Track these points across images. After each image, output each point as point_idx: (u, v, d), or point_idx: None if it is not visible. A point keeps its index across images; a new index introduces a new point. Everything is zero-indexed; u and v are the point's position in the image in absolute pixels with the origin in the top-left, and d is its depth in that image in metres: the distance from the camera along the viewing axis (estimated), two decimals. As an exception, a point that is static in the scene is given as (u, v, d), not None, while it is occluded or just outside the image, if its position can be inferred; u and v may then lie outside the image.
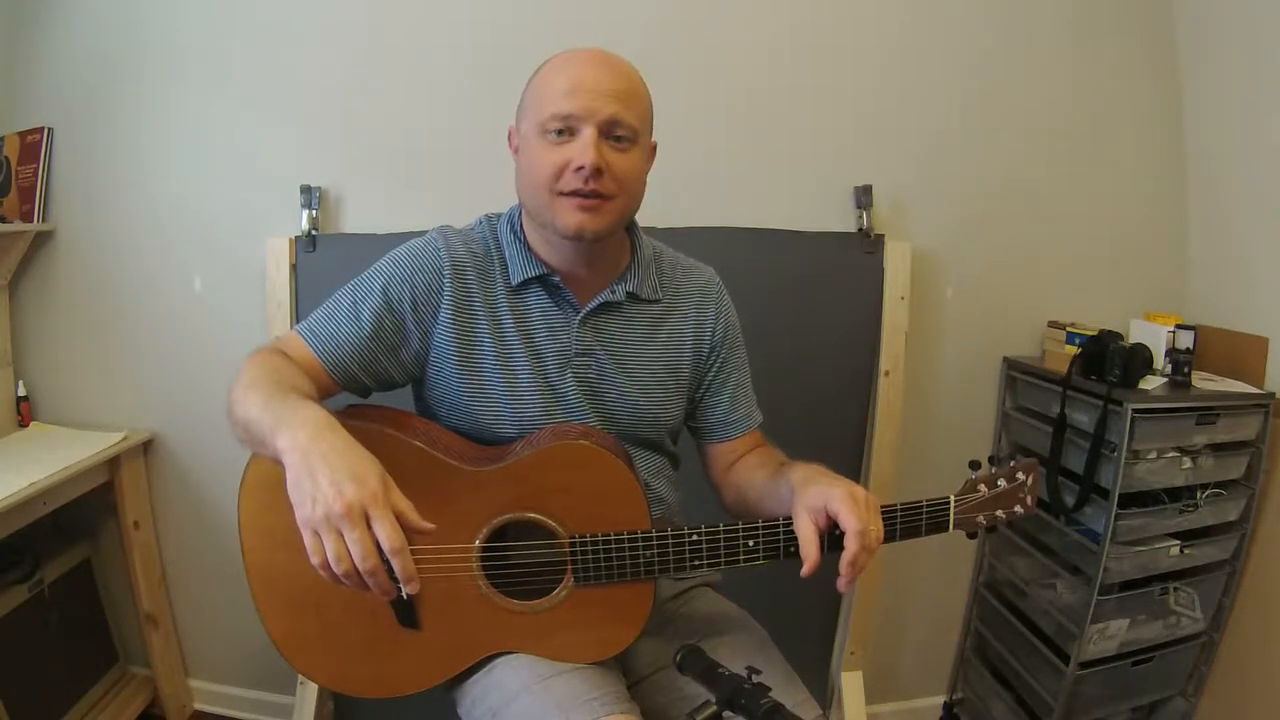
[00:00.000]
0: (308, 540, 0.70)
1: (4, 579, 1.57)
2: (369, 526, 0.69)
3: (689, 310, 1.05)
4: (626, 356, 1.01)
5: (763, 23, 1.67)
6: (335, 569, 0.70)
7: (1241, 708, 1.64)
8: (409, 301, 0.94)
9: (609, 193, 0.90)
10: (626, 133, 0.90)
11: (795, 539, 0.88)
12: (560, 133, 0.89)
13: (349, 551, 0.69)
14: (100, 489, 1.67)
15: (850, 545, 0.83)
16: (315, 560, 0.70)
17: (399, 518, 0.71)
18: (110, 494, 1.70)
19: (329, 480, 0.69)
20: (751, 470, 1.05)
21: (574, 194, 0.89)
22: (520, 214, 1.00)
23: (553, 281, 0.97)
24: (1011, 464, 0.97)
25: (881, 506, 0.89)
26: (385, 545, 0.69)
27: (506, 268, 0.98)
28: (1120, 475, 1.49)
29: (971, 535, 0.98)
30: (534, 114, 0.91)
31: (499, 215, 1.03)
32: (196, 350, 1.72)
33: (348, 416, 0.91)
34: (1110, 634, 1.59)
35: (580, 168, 0.88)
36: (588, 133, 0.88)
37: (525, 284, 0.97)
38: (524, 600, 0.92)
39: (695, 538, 0.90)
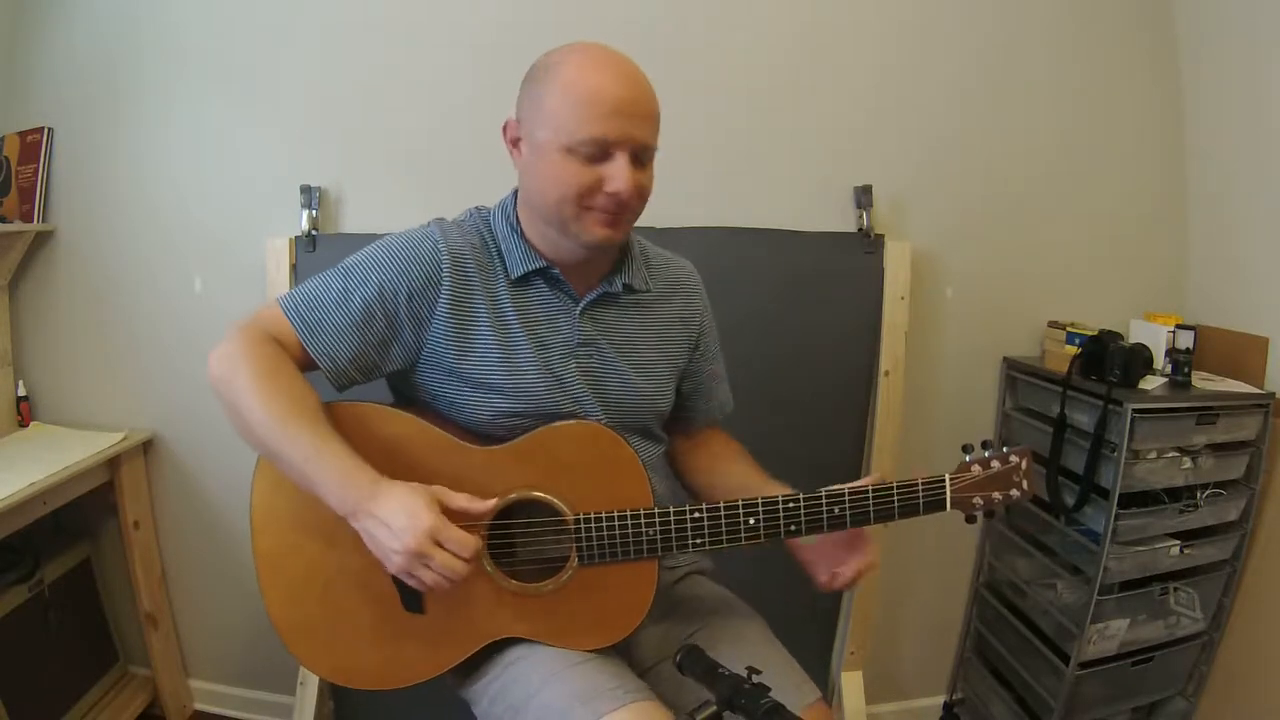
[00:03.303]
0: (411, 583, 0.85)
1: (4, 579, 1.57)
2: (442, 546, 0.82)
3: (677, 300, 1.08)
4: (627, 344, 1.02)
5: (763, 23, 1.67)
6: (439, 589, 0.84)
7: (1241, 708, 1.64)
8: (404, 294, 0.92)
9: (634, 208, 0.92)
10: (650, 152, 0.92)
11: (795, 517, 0.92)
12: (591, 153, 0.88)
13: (442, 575, 0.83)
14: (100, 489, 1.67)
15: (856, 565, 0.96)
16: (424, 589, 0.86)
17: (462, 515, 0.85)
18: (110, 494, 1.70)
19: (389, 535, 0.82)
20: (729, 464, 1.12)
21: (602, 209, 0.90)
22: (514, 205, 0.99)
23: (553, 274, 0.97)
24: (1005, 449, 0.98)
25: (878, 484, 0.93)
26: (449, 575, 0.83)
27: (504, 260, 0.98)
28: (1120, 475, 1.49)
29: (970, 519, 0.98)
30: (558, 128, 0.88)
31: (488, 209, 1.03)
32: (197, 350, 1.68)
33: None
34: (1110, 634, 1.59)
35: (615, 193, 0.88)
36: (622, 159, 0.88)
37: (525, 276, 0.97)
38: (529, 582, 0.92)
39: (697, 515, 0.91)
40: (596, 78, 0.88)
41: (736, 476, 1.08)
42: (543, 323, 0.98)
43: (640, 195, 0.92)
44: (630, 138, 0.88)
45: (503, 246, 0.98)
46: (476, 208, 1.04)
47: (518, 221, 0.99)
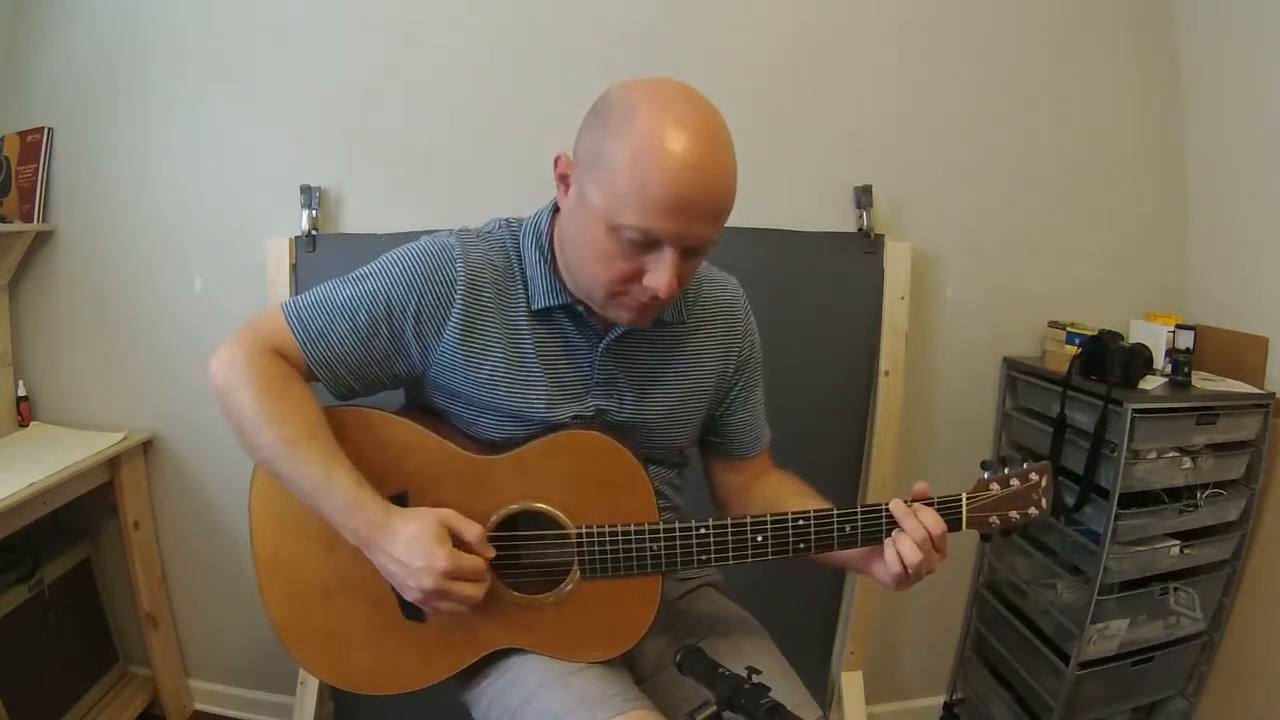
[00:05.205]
0: (427, 610, 0.87)
1: (4, 579, 1.57)
2: (458, 579, 0.83)
3: (715, 330, 1.00)
4: (648, 383, 0.96)
5: (763, 23, 1.67)
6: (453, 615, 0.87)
7: (1241, 708, 1.64)
8: (413, 312, 0.88)
9: (673, 299, 0.85)
10: (708, 245, 0.83)
11: (804, 536, 0.88)
12: (636, 240, 0.78)
13: (459, 606, 0.84)
14: (100, 489, 1.67)
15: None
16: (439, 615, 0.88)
17: (470, 547, 0.84)
18: (110, 494, 1.70)
19: (405, 573, 0.82)
20: (799, 498, 1.00)
21: (634, 298, 0.83)
22: (550, 229, 0.91)
23: (576, 310, 0.91)
24: (1025, 465, 0.94)
25: (890, 503, 0.89)
26: (467, 604, 0.84)
27: (527, 287, 0.91)
28: (1120, 475, 1.49)
29: (986, 537, 0.95)
30: (610, 201, 0.77)
31: (518, 223, 0.95)
32: (197, 350, 1.69)
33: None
34: (1110, 634, 1.59)
35: (652, 289, 0.80)
36: (670, 254, 0.79)
37: (547, 309, 0.91)
38: (530, 594, 0.92)
39: (703, 531, 0.88)
40: (671, 158, 0.75)
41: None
42: (560, 358, 0.92)
43: (682, 286, 0.83)
44: (682, 238, 0.78)
45: (528, 273, 0.91)
46: (506, 220, 0.95)
47: (550, 248, 0.90)
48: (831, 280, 1.67)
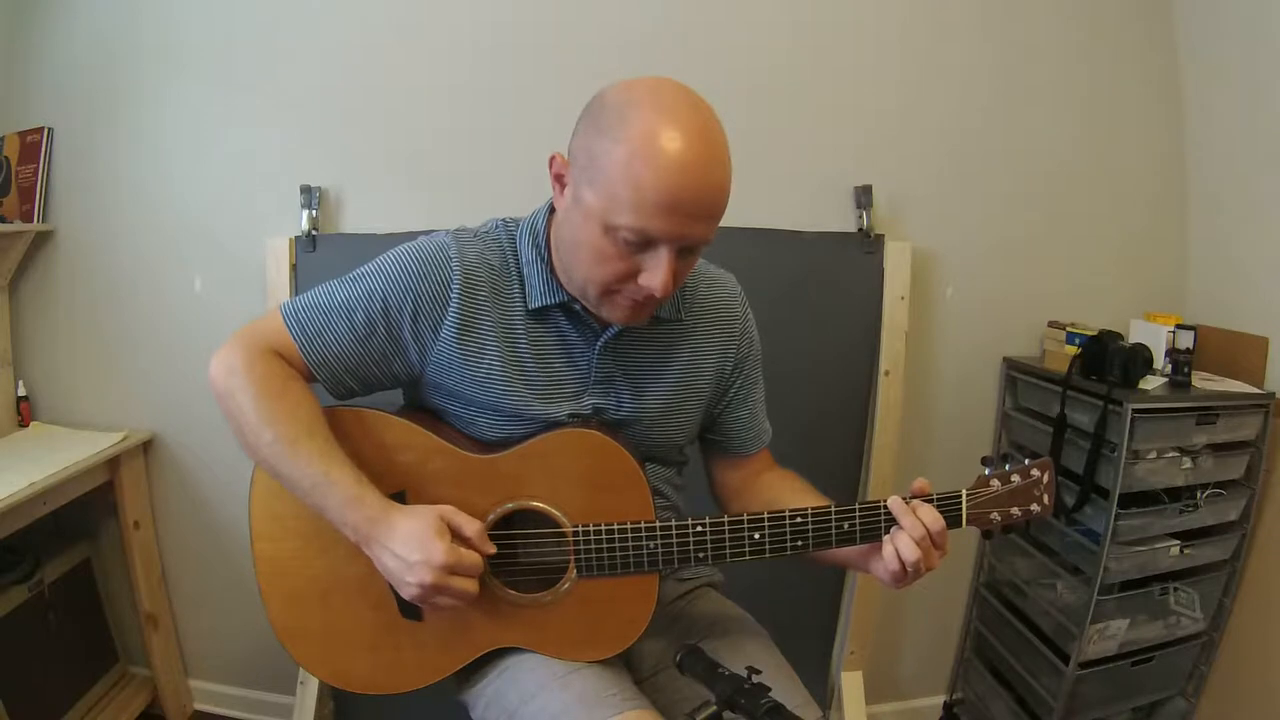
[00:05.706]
0: (425, 607, 0.87)
1: (4, 579, 1.57)
2: (455, 573, 0.82)
3: (712, 328, 1.01)
4: (646, 380, 0.96)
5: (764, 23, 1.67)
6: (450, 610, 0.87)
7: (1241, 708, 1.64)
8: (410, 311, 0.88)
9: (667, 298, 0.84)
10: (704, 245, 0.83)
11: (801, 535, 0.88)
12: (633, 241, 0.79)
13: (456, 601, 0.84)
14: (100, 489, 1.67)
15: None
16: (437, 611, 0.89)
17: (468, 543, 0.84)
18: (110, 494, 1.70)
19: (404, 568, 0.81)
20: (799, 495, 1.00)
21: (629, 297, 0.84)
22: (546, 231, 0.92)
23: (574, 309, 0.91)
24: (1026, 461, 0.92)
25: (889, 500, 0.88)
26: (463, 600, 0.84)
27: (524, 286, 0.91)
28: (1120, 475, 1.49)
29: (987, 535, 0.94)
30: (607, 203, 0.78)
31: (515, 222, 0.95)
32: (197, 350, 1.69)
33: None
34: (1110, 634, 1.59)
35: (647, 288, 0.81)
36: (666, 253, 0.79)
37: (544, 308, 0.91)
38: (527, 593, 0.92)
39: (700, 529, 0.88)
40: (666, 158, 0.75)
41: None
42: (558, 357, 0.93)
43: (677, 284, 0.84)
44: (679, 237, 0.79)
45: (525, 272, 0.91)
46: (503, 220, 0.96)
47: (546, 247, 0.91)
48: (831, 280, 1.67)
